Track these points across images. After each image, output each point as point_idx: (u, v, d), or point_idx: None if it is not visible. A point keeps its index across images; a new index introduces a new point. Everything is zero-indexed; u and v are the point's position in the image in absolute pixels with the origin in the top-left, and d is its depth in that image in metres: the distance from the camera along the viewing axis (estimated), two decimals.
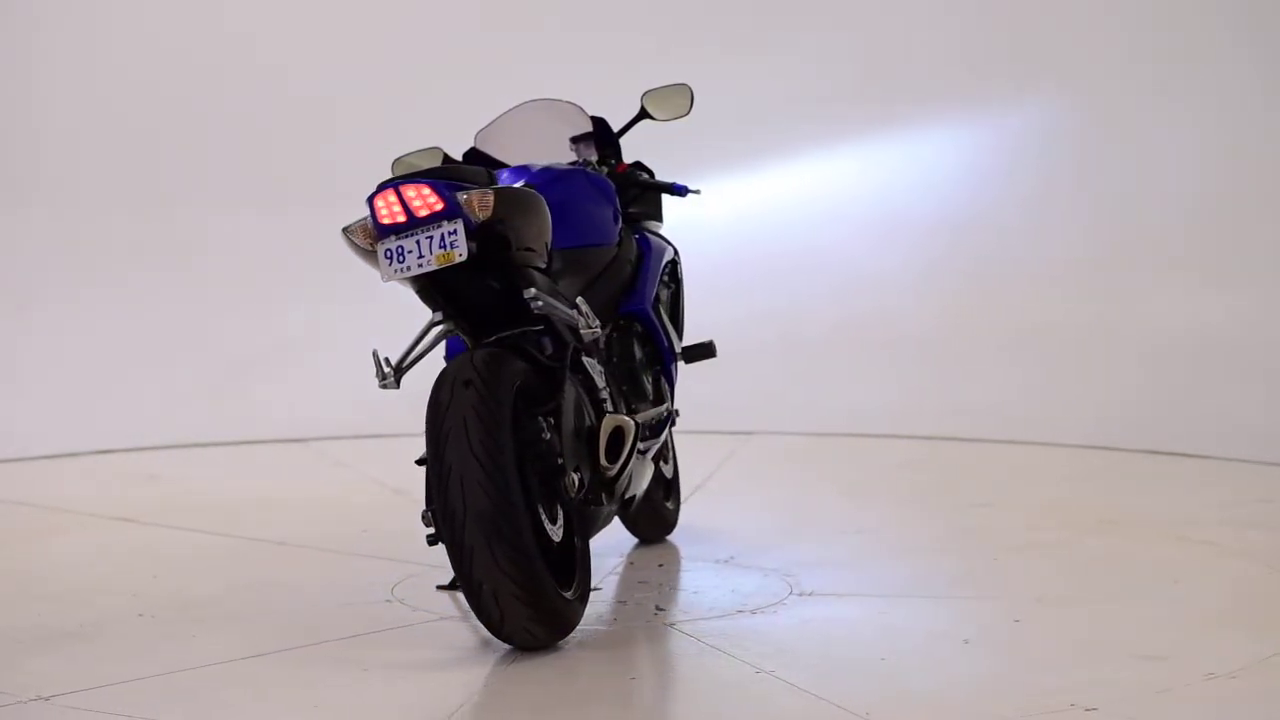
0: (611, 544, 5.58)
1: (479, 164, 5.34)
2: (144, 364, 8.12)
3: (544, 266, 4.62)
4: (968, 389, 8.21)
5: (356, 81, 9.16)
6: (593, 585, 5.02)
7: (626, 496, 4.84)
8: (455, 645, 4.42)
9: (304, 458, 7.48)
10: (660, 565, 5.42)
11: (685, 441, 7.50)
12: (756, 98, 9.44)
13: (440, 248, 4.23)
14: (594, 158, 5.44)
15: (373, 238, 4.32)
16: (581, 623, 4.56)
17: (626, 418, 4.60)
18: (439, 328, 4.61)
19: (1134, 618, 4.68)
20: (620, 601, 4.94)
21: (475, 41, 9.31)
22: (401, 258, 4.27)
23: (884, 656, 4.34)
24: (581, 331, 4.54)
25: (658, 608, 4.85)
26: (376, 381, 4.52)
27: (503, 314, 4.55)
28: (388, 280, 4.31)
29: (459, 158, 5.42)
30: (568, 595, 4.39)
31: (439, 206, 4.23)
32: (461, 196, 4.25)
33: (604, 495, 4.61)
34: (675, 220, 9.28)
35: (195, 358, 8.18)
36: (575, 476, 4.41)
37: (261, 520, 6.11)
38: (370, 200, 4.28)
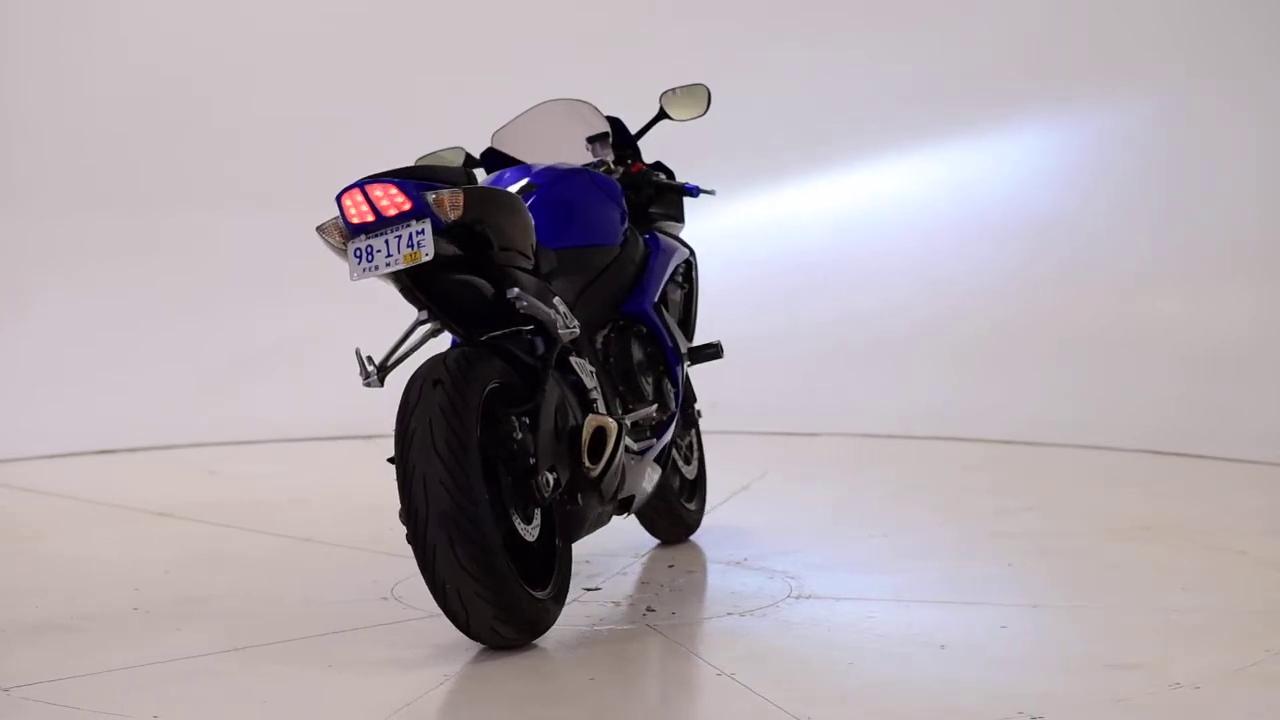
0: (630, 544, 5.60)
1: (498, 163, 5.39)
2: (197, 360, 8.27)
3: (530, 267, 4.63)
4: (1042, 392, 8.14)
5: (353, 81, 9.26)
6: (593, 585, 5.06)
7: (620, 497, 4.82)
8: (433, 644, 4.41)
9: (365, 455, 7.53)
10: (670, 566, 5.41)
11: (744, 441, 7.55)
12: (840, 98, 9.42)
13: (408, 247, 4.24)
14: (610, 158, 5.44)
15: (345, 236, 4.34)
16: (569, 622, 4.59)
17: (609, 418, 4.57)
18: (424, 327, 4.63)
19: (1125, 625, 4.59)
20: (614, 602, 4.93)
21: (493, 39, 9.40)
22: (370, 257, 4.29)
23: (853, 661, 4.29)
24: (559, 331, 4.54)
25: (648, 608, 4.84)
26: (360, 380, 4.54)
27: (492, 314, 4.56)
28: (356, 279, 4.33)
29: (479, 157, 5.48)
30: (539, 595, 4.39)
31: (406, 206, 4.23)
32: (430, 196, 4.25)
33: (588, 496, 4.60)
34: (761, 223, 9.35)
35: (249, 354, 8.32)
36: (550, 477, 4.40)
37: (297, 517, 6.20)
38: (339, 199, 4.30)
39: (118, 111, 9.08)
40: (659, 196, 5.61)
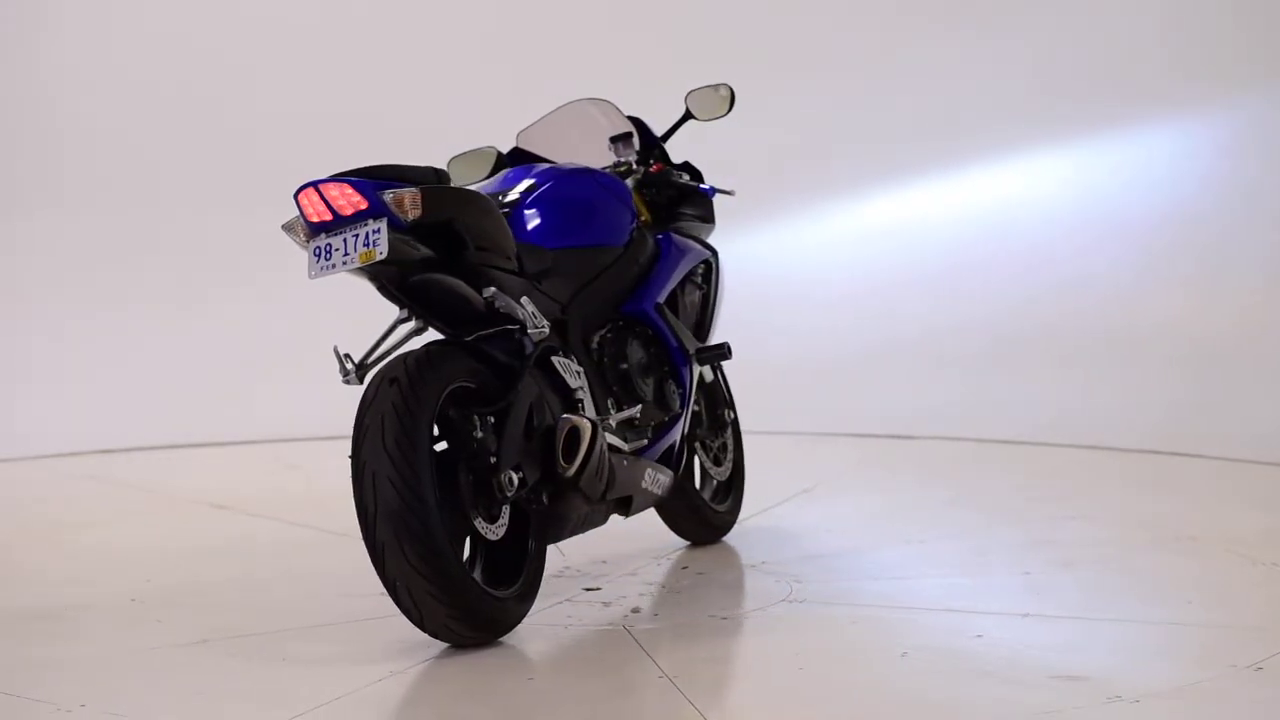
0: (653, 546, 5.60)
1: (522, 163, 5.42)
2: (275, 358, 8.41)
3: (511, 267, 4.63)
4: (1162, 397, 7.93)
5: (359, 81, 9.33)
6: (593, 586, 5.06)
7: (612, 498, 4.80)
8: (403, 640, 4.42)
9: None
10: (685, 568, 5.38)
11: (835, 443, 7.50)
12: (966, 96, 9.30)
13: (364, 246, 4.26)
14: (633, 158, 5.45)
15: (309, 235, 4.38)
16: (549, 621, 4.62)
17: (584, 418, 4.55)
18: (406, 325, 4.67)
19: (1104, 638, 4.44)
20: (605, 603, 4.91)
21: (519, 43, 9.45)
22: (329, 255, 4.32)
23: (803, 667, 4.22)
24: (530, 331, 4.54)
25: (634, 609, 4.82)
26: (340, 378, 4.57)
27: (477, 313, 4.59)
28: (314, 277, 4.36)
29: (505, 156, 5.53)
30: (500, 594, 4.39)
31: (363, 205, 4.25)
32: (388, 195, 4.26)
33: (569, 496, 4.57)
34: (882, 225, 9.25)
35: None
36: (514, 476, 4.39)
37: (349, 512, 6.24)
38: (296, 197, 4.34)
39: (119, 112, 9.29)
40: (685, 197, 5.59)
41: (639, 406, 4.99)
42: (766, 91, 9.16)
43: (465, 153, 5.59)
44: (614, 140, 5.48)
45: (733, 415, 5.80)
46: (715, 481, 5.77)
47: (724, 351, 5.39)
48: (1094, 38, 9.12)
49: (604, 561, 5.40)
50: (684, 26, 9.63)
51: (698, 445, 5.66)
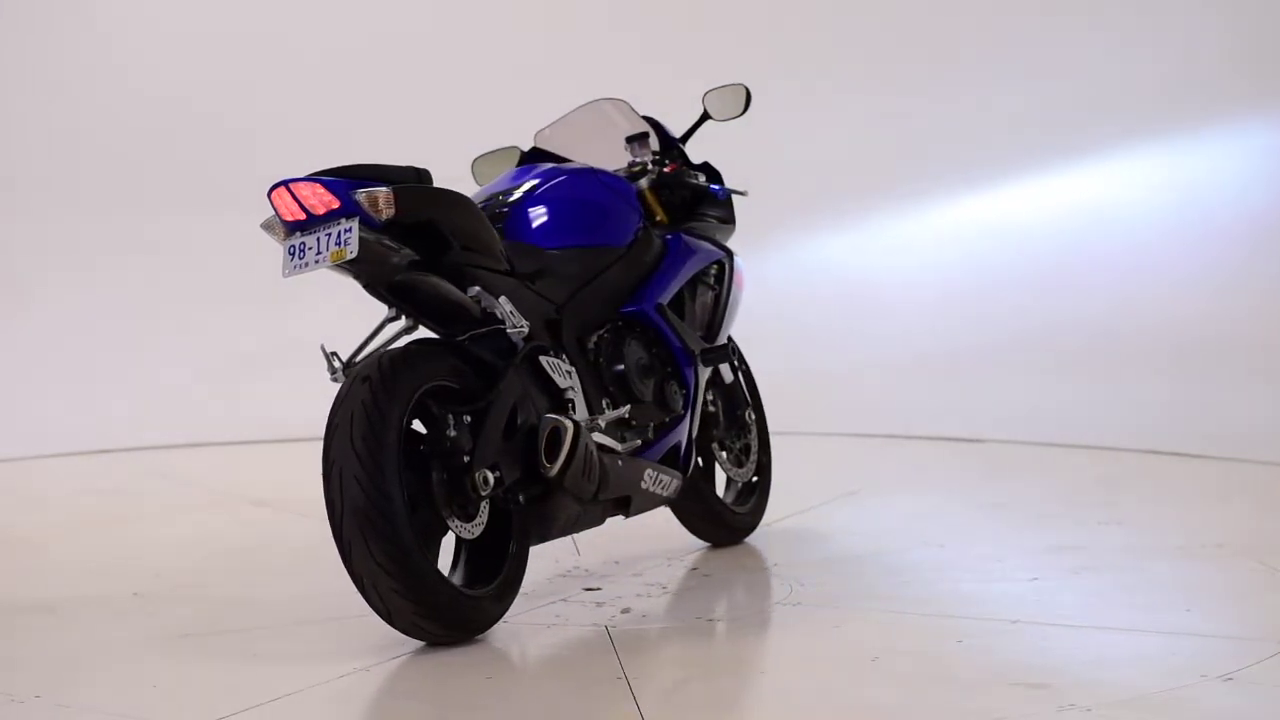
0: (670, 547, 5.58)
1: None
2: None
3: (500, 267, 4.63)
4: (1254, 400, 7.79)
5: (360, 85, 9.34)
6: (593, 586, 5.05)
7: (605, 498, 4.78)
8: (382, 638, 4.41)
9: None
10: (694, 569, 5.35)
11: (899, 445, 7.42)
12: (1061, 97, 9.19)
13: (335, 245, 4.27)
14: (649, 158, 5.44)
15: (286, 234, 4.41)
16: (536, 620, 4.62)
17: (566, 418, 4.53)
18: (396, 324, 4.69)
19: (1084, 644, 4.33)
20: (598, 603, 4.89)
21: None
22: (302, 254, 4.34)
23: (766, 670, 4.21)
24: (509, 331, 4.54)
25: (624, 610, 4.80)
26: (328, 377, 4.60)
27: (468, 313, 4.59)
28: (287, 275, 4.38)
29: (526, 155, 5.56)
30: (473, 593, 4.39)
31: (335, 204, 4.27)
32: (360, 194, 4.28)
33: (557, 496, 4.57)
34: (977, 226, 9.17)
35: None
36: (490, 475, 4.39)
37: None
38: (269, 195, 4.37)
39: (120, 113, 9.41)
40: (701, 198, 5.57)
41: (628, 406, 4.95)
42: (861, 91, 9.15)
43: (489, 153, 5.64)
44: (630, 140, 5.48)
45: (755, 416, 5.76)
46: (738, 483, 5.74)
47: (726, 352, 5.37)
48: (1188, 38, 8.96)
49: (615, 562, 5.39)
50: (764, 19, 9.61)
51: (716, 446, 5.63)
